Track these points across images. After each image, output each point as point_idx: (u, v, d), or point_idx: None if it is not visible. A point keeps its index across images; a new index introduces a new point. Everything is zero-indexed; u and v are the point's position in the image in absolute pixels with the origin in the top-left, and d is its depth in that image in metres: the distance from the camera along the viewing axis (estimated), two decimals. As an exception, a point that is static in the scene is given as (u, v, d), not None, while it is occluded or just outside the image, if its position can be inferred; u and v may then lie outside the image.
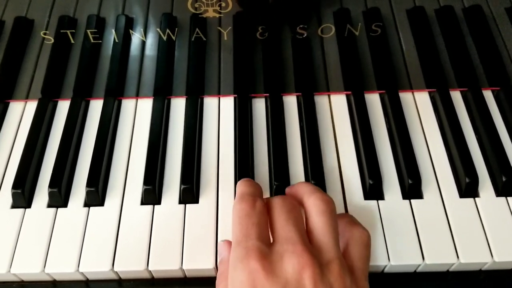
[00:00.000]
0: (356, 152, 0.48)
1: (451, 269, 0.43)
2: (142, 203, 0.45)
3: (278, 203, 0.38)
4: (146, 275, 0.42)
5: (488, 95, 0.52)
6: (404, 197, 0.45)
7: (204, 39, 0.51)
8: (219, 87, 0.52)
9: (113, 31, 0.53)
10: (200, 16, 0.49)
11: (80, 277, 0.42)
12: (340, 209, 0.44)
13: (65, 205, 0.45)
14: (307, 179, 0.46)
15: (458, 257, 0.41)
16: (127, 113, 0.51)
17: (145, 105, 0.51)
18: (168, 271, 0.41)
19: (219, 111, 0.51)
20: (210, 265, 0.41)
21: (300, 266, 0.33)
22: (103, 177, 0.46)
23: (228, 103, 0.52)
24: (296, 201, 0.39)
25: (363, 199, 0.45)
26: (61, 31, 0.53)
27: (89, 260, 0.41)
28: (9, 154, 0.48)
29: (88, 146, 0.48)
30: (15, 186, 0.44)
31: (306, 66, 0.53)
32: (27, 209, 0.44)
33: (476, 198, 0.45)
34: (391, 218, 0.43)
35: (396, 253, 0.41)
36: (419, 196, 0.45)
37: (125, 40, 0.54)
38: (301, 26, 0.51)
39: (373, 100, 0.52)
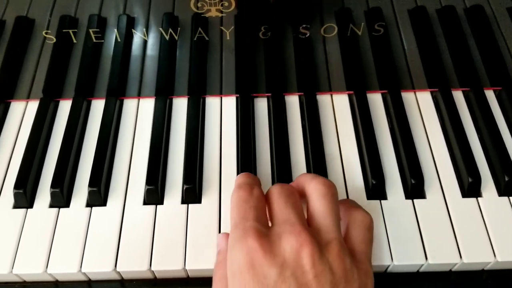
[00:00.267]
0: (359, 152, 0.48)
1: (453, 269, 0.43)
2: (145, 203, 0.45)
3: (276, 189, 0.38)
4: (148, 275, 0.42)
5: (490, 95, 0.52)
6: (407, 197, 0.45)
7: (207, 38, 0.51)
8: (221, 86, 0.52)
9: (115, 30, 0.53)
10: (202, 15, 0.49)
11: (83, 278, 0.42)
12: (343, 209, 0.44)
13: (67, 205, 0.44)
14: (309, 179, 0.46)
15: (461, 257, 0.41)
16: (129, 113, 0.51)
17: (147, 105, 0.51)
18: (171, 271, 0.41)
19: (221, 111, 0.51)
20: (213, 265, 0.40)
21: (298, 245, 0.33)
22: (105, 177, 0.45)
23: (230, 103, 0.52)
24: (294, 188, 0.39)
25: (366, 199, 0.45)
26: (63, 30, 0.53)
27: (92, 261, 0.41)
28: (11, 154, 0.48)
29: (90, 146, 0.48)
30: (17, 186, 0.44)
31: (309, 66, 0.53)
32: (29, 210, 0.44)
33: (479, 198, 0.45)
34: (394, 218, 0.43)
35: (399, 253, 0.41)
36: (422, 196, 0.45)
37: (127, 39, 0.54)
38: (304, 25, 0.51)
39: (375, 100, 0.52)
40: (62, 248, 0.42)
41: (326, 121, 0.50)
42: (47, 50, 0.54)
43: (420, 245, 0.42)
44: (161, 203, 0.44)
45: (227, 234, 0.38)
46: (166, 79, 0.52)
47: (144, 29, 0.53)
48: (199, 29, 0.51)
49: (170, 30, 0.52)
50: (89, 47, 0.53)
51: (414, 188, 0.44)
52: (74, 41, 0.53)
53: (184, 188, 0.44)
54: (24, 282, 0.43)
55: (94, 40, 0.53)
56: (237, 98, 0.52)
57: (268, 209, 0.38)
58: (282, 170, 0.45)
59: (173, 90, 0.52)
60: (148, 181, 0.44)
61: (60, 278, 0.42)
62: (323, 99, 0.52)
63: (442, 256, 0.41)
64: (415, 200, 0.44)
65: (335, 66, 0.53)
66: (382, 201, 0.44)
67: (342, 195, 0.45)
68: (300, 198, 0.38)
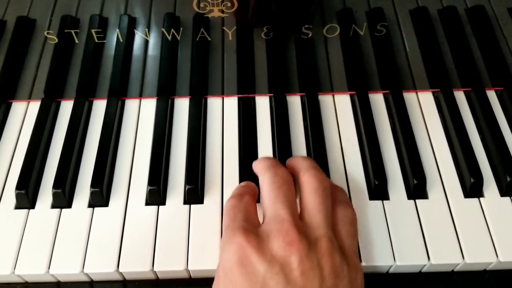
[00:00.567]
0: (361, 152, 0.48)
1: (456, 269, 0.43)
2: (147, 203, 0.44)
3: (270, 177, 0.38)
4: (151, 276, 0.42)
5: (491, 95, 0.52)
6: (409, 197, 0.45)
7: (209, 39, 0.51)
8: (223, 87, 0.52)
9: (117, 30, 0.53)
10: (204, 16, 0.49)
11: (85, 278, 0.42)
12: (345, 209, 0.44)
13: (69, 205, 0.44)
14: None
15: (463, 257, 0.41)
16: (131, 114, 0.51)
17: (149, 105, 0.51)
18: (173, 272, 0.41)
19: (223, 111, 0.51)
20: (216, 266, 0.40)
21: (286, 243, 0.33)
22: (107, 177, 0.45)
23: (232, 103, 0.52)
24: (287, 174, 0.39)
25: (368, 199, 0.45)
26: (65, 31, 0.53)
27: (94, 261, 0.41)
28: (12, 155, 0.48)
29: (92, 147, 0.48)
30: (18, 186, 0.44)
31: (310, 66, 0.53)
32: (31, 210, 0.44)
33: (481, 198, 0.45)
34: (396, 219, 0.43)
35: (402, 253, 0.41)
36: (424, 196, 0.45)
37: (129, 40, 0.54)
38: (306, 26, 0.51)
39: (377, 100, 0.52)
40: (64, 248, 0.42)
41: (328, 122, 0.50)
42: (48, 50, 0.54)
43: (423, 246, 0.42)
44: (163, 203, 0.44)
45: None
46: (167, 80, 0.52)
47: (146, 29, 0.53)
48: (201, 29, 0.51)
49: (172, 30, 0.52)
50: (90, 47, 0.53)
51: (416, 188, 0.44)
52: (76, 41, 0.53)
53: (187, 188, 0.44)
54: (26, 283, 0.42)
55: (96, 40, 0.53)
56: (239, 98, 0.52)
57: (261, 198, 0.38)
58: (284, 171, 0.45)
59: (174, 90, 0.52)
60: (150, 182, 0.44)
61: (62, 279, 0.42)
62: (325, 100, 0.52)
63: (444, 256, 0.41)
64: (417, 201, 0.44)
65: (337, 66, 0.53)
66: (384, 201, 0.44)
67: (344, 196, 0.45)
68: (292, 181, 0.39)
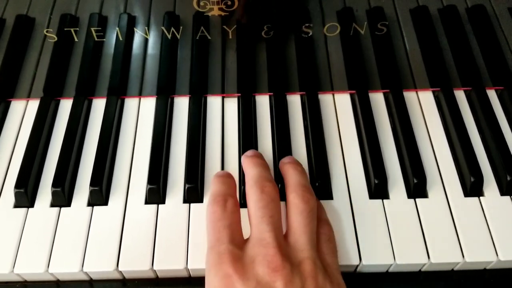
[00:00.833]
0: (361, 151, 0.48)
1: (456, 268, 0.43)
2: (146, 202, 0.44)
3: (256, 195, 0.38)
4: (150, 275, 0.42)
5: (492, 94, 0.52)
6: (409, 197, 0.45)
7: (209, 37, 0.51)
8: (223, 86, 0.52)
9: (117, 29, 0.52)
10: (205, 14, 0.49)
11: (84, 277, 0.42)
12: (345, 208, 0.44)
13: (68, 204, 0.44)
14: (312, 178, 0.46)
15: (463, 256, 0.41)
16: (130, 112, 0.51)
17: (148, 104, 0.51)
18: (173, 270, 0.41)
19: (223, 110, 0.51)
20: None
21: (270, 269, 0.34)
22: (106, 176, 0.45)
23: (232, 102, 0.51)
24: (274, 190, 0.39)
25: (368, 198, 0.45)
26: (65, 29, 0.52)
27: (93, 260, 0.41)
28: (11, 154, 0.48)
29: (91, 145, 0.48)
30: (17, 185, 0.44)
31: (311, 65, 0.53)
32: (30, 209, 0.44)
33: (481, 197, 0.45)
34: (396, 218, 0.43)
35: (402, 252, 0.41)
36: (424, 195, 0.45)
37: (128, 38, 0.54)
38: (307, 25, 0.51)
39: (377, 99, 0.51)
40: (64, 247, 0.42)
41: (328, 121, 0.50)
42: (48, 49, 0.54)
43: (423, 244, 0.42)
44: (163, 202, 0.44)
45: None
46: (167, 78, 0.52)
47: (146, 28, 0.53)
48: (201, 28, 0.51)
49: (173, 29, 0.51)
50: (90, 46, 0.53)
51: (417, 187, 0.44)
52: (76, 39, 0.53)
53: (186, 187, 0.44)
54: (25, 281, 0.42)
55: (96, 39, 0.52)
56: (239, 97, 0.52)
57: (248, 213, 0.38)
58: (284, 170, 0.45)
59: (174, 89, 0.52)
60: (150, 181, 0.44)
61: (61, 278, 0.42)
62: (325, 99, 0.52)
63: (444, 255, 0.41)
64: (417, 200, 0.44)
65: (337, 65, 0.53)
66: (384, 200, 0.44)
67: (344, 194, 0.45)
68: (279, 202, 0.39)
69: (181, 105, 0.51)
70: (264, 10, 0.50)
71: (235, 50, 0.53)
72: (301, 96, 0.52)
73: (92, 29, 0.53)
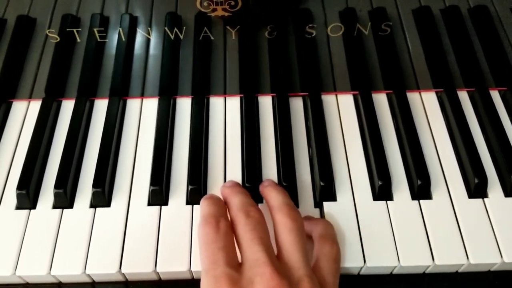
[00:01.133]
0: (365, 153, 0.47)
1: (460, 270, 0.43)
2: (149, 204, 0.44)
3: (242, 220, 0.38)
4: (153, 277, 0.42)
5: (495, 95, 0.52)
6: (413, 198, 0.44)
7: (212, 38, 0.51)
8: (225, 86, 0.52)
9: (119, 29, 0.52)
10: (208, 15, 0.49)
11: (87, 279, 0.42)
12: (349, 210, 0.44)
13: (70, 206, 0.44)
14: (314, 180, 0.45)
15: (467, 258, 0.41)
16: (133, 113, 0.51)
17: (151, 105, 0.51)
18: (176, 272, 0.41)
19: (225, 111, 0.51)
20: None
21: None
22: (109, 177, 0.45)
23: (234, 103, 0.51)
24: (259, 214, 0.39)
25: (372, 200, 0.44)
26: (67, 29, 0.52)
27: (96, 262, 0.41)
28: (13, 155, 0.48)
29: (93, 147, 0.48)
30: (19, 187, 0.44)
31: (313, 66, 0.52)
32: (32, 210, 0.44)
33: (485, 199, 0.44)
34: (400, 219, 0.43)
35: (406, 254, 0.41)
36: (428, 196, 0.45)
37: (130, 39, 0.54)
38: (310, 25, 0.50)
39: (381, 100, 0.51)
40: (66, 249, 0.41)
41: (331, 122, 0.50)
42: (49, 49, 0.54)
43: (427, 246, 0.41)
44: (166, 204, 0.44)
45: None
46: (170, 79, 0.52)
47: (148, 28, 0.53)
48: (204, 28, 0.51)
49: (176, 29, 0.51)
50: (92, 46, 0.53)
51: (421, 189, 0.44)
52: (78, 40, 0.53)
53: (189, 188, 0.44)
54: (27, 284, 0.42)
55: (98, 39, 0.52)
56: (241, 98, 0.51)
57: (236, 240, 0.38)
58: (287, 171, 0.45)
59: (177, 90, 0.52)
60: (153, 182, 0.44)
61: (63, 280, 0.42)
62: (328, 99, 0.51)
63: (448, 257, 0.41)
64: (421, 201, 0.44)
65: (340, 66, 0.53)
66: (388, 202, 0.44)
67: (348, 196, 0.44)
68: (265, 224, 0.38)
69: (184, 106, 0.51)
70: (267, 11, 0.50)
71: (238, 50, 0.53)
72: (304, 97, 0.52)
73: (95, 29, 0.53)
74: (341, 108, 0.51)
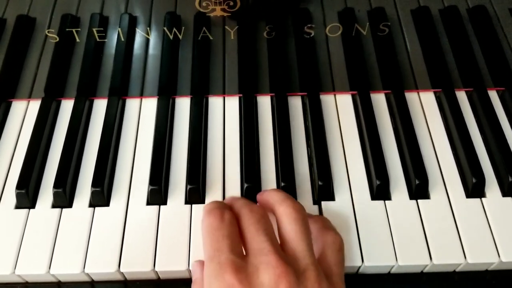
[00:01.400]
0: (363, 152, 0.47)
1: (457, 269, 0.43)
2: (148, 203, 0.44)
3: (246, 214, 0.38)
4: (152, 276, 0.42)
5: (493, 95, 0.52)
6: (411, 198, 0.45)
7: (211, 38, 0.51)
8: (224, 86, 0.52)
9: (118, 29, 0.52)
10: (207, 15, 0.49)
11: (86, 278, 0.42)
12: (347, 209, 0.44)
13: (70, 205, 0.44)
14: (313, 180, 0.46)
15: (465, 257, 0.41)
16: (132, 113, 0.51)
17: (150, 105, 0.51)
18: (175, 272, 0.41)
19: (224, 111, 0.51)
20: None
21: (276, 277, 0.33)
22: (108, 177, 0.45)
23: (233, 102, 0.51)
24: (262, 209, 0.38)
25: (370, 199, 0.44)
26: (67, 29, 0.52)
27: (95, 261, 0.41)
28: (12, 154, 0.48)
29: (93, 146, 0.48)
30: (19, 186, 0.44)
31: (312, 66, 0.52)
32: (31, 210, 0.44)
33: (483, 198, 0.45)
34: (398, 219, 0.43)
35: (404, 253, 0.41)
36: (426, 196, 0.45)
37: (129, 39, 0.54)
38: (308, 25, 0.51)
39: (379, 100, 0.51)
40: (65, 248, 0.41)
41: (330, 121, 0.50)
42: (49, 49, 0.54)
43: (425, 246, 0.42)
44: (165, 203, 0.44)
45: (201, 262, 0.38)
46: (169, 79, 0.52)
47: (148, 28, 0.53)
48: (203, 28, 0.51)
49: (175, 29, 0.51)
50: (91, 46, 0.53)
51: (419, 188, 0.44)
52: (77, 40, 0.53)
53: (188, 188, 0.44)
54: (27, 283, 0.42)
55: (97, 39, 0.52)
56: (240, 98, 0.52)
57: (241, 234, 0.37)
58: (286, 170, 0.45)
59: (176, 89, 0.52)
60: (152, 181, 0.44)
61: (62, 279, 0.42)
62: (327, 99, 0.52)
63: (446, 257, 0.41)
64: (419, 201, 0.44)
65: (338, 66, 0.53)
66: (386, 201, 0.44)
67: (346, 196, 0.45)
68: (269, 215, 0.38)
69: (183, 105, 0.51)
70: (266, 10, 0.50)
71: (237, 50, 0.53)
72: (303, 96, 0.52)
73: (94, 29, 0.53)
74: (340, 108, 0.51)
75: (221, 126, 0.50)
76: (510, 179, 0.44)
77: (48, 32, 0.54)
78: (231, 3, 0.47)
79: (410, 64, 0.53)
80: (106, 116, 0.49)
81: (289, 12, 0.51)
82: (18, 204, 0.44)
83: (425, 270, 0.42)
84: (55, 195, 0.44)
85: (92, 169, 0.45)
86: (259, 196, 0.42)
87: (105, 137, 0.47)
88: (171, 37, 0.52)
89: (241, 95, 0.52)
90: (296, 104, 0.51)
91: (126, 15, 0.55)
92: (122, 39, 0.53)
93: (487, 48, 0.54)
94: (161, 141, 0.47)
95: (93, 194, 0.44)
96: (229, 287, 0.33)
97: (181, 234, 0.42)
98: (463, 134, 0.47)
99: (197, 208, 0.44)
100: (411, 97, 0.52)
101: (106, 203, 0.44)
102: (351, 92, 0.52)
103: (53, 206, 0.44)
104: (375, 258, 0.41)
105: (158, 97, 0.51)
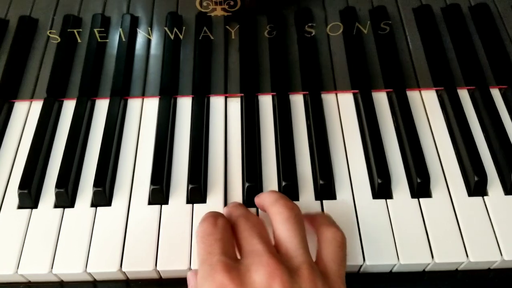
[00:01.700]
0: (364, 151, 0.47)
1: (460, 268, 0.43)
2: (150, 203, 0.44)
3: (241, 220, 0.37)
4: (154, 275, 0.42)
5: (495, 93, 0.52)
6: (413, 196, 0.44)
7: (212, 38, 0.51)
8: (226, 86, 0.52)
9: (120, 30, 0.53)
10: (208, 14, 0.49)
11: (88, 278, 0.42)
12: (349, 208, 0.44)
13: (72, 205, 0.44)
14: (315, 178, 0.46)
15: (467, 255, 0.41)
16: (133, 113, 0.51)
17: (151, 105, 0.51)
18: (177, 271, 0.41)
19: (226, 110, 0.51)
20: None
21: (268, 275, 0.32)
22: (110, 177, 0.45)
23: (234, 102, 0.51)
24: (258, 218, 0.38)
25: (371, 198, 0.44)
26: (68, 30, 0.53)
27: (97, 261, 0.41)
28: (15, 155, 0.48)
29: (95, 146, 0.48)
30: (21, 186, 0.44)
31: (314, 65, 0.52)
32: (33, 210, 0.44)
33: (485, 197, 0.44)
34: (400, 218, 0.43)
35: (405, 252, 0.41)
36: (428, 195, 0.45)
37: (131, 39, 0.54)
38: (310, 24, 0.50)
39: (381, 99, 0.51)
40: (67, 248, 0.42)
41: (331, 120, 0.50)
42: (51, 50, 0.54)
43: (426, 244, 0.42)
44: (166, 203, 0.44)
45: (196, 271, 0.37)
46: (170, 79, 0.52)
47: (149, 28, 0.53)
48: (204, 28, 0.51)
49: (176, 29, 0.52)
50: (93, 47, 0.53)
51: (420, 187, 0.44)
52: (79, 40, 0.53)
53: (189, 187, 0.44)
54: (29, 282, 0.42)
55: (99, 40, 0.53)
56: (241, 97, 0.52)
57: (236, 240, 0.37)
58: (287, 169, 0.45)
59: (177, 89, 0.52)
60: (153, 181, 0.44)
61: (65, 279, 0.42)
62: (328, 98, 0.52)
63: (448, 255, 0.41)
64: (421, 199, 0.44)
65: (340, 65, 0.53)
66: (388, 200, 0.44)
67: (348, 195, 0.45)
68: (264, 221, 0.38)
69: (184, 105, 0.51)
70: (266, 10, 0.50)
71: (238, 50, 0.53)
72: (304, 95, 0.52)
73: (95, 30, 0.53)
74: (341, 107, 0.51)
75: (222, 125, 0.50)
76: (512, 178, 0.44)
77: (50, 33, 0.54)
78: (232, 3, 0.47)
79: (412, 63, 0.53)
80: (108, 116, 0.49)
81: (290, 10, 0.51)
82: (21, 204, 0.44)
83: (427, 269, 0.42)
84: (58, 195, 0.44)
85: (94, 169, 0.45)
86: (256, 199, 0.42)
87: (107, 137, 0.48)
88: (172, 37, 0.52)
89: (242, 94, 0.52)
90: (297, 103, 0.51)
91: (127, 15, 0.55)
92: (124, 40, 0.53)
93: (489, 46, 0.54)
94: (162, 140, 0.47)
95: (95, 194, 0.44)
96: (220, 286, 0.32)
97: (182, 233, 0.42)
98: (465, 132, 0.47)
99: (199, 207, 0.44)
100: (413, 95, 0.52)
101: (108, 203, 0.44)
102: (352, 91, 0.52)
103: (56, 206, 0.44)
104: (377, 257, 0.41)
105: (159, 97, 0.51)
